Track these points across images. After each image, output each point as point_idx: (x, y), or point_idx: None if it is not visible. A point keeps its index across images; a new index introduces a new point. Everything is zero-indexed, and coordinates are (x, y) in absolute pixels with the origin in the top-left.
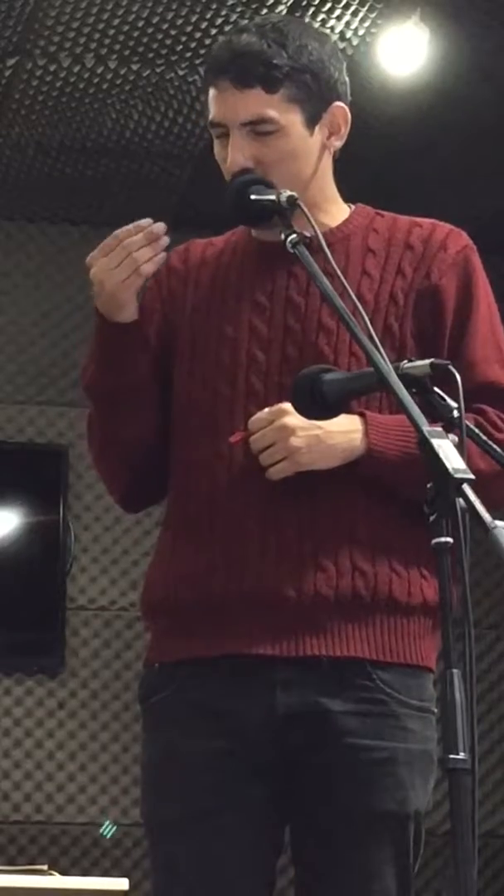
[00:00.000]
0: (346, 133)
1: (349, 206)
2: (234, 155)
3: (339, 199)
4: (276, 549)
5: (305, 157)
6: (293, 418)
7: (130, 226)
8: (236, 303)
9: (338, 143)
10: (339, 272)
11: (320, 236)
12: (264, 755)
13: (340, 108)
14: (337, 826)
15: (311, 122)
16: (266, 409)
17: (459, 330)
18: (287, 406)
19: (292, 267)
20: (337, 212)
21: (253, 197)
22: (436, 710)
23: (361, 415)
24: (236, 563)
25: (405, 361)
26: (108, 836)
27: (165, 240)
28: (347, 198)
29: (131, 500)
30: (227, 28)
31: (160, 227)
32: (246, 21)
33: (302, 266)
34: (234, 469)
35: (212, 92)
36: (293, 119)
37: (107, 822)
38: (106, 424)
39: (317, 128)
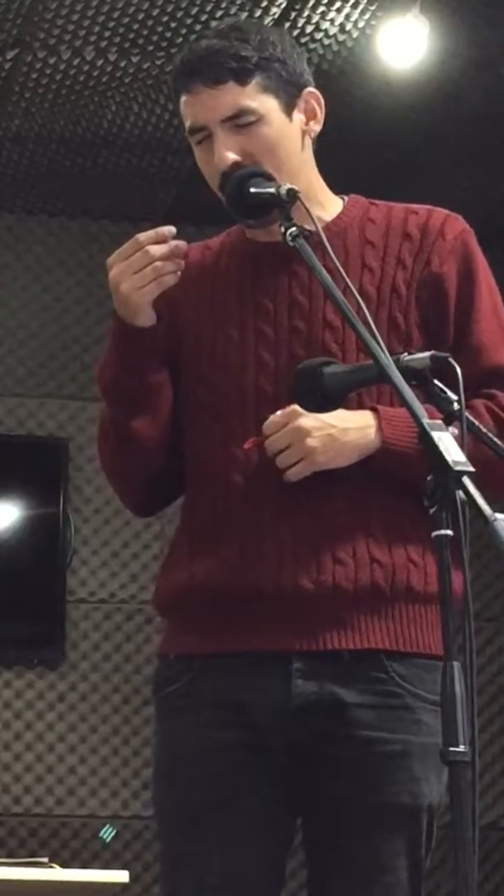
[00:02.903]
0: (322, 117)
1: (341, 198)
2: (222, 152)
3: (329, 191)
4: (293, 546)
5: (289, 143)
6: (307, 419)
7: (151, 232)
8: (240, 307)
9: (316, 128)
10: (340, 268)
11: (321, 232)
12: (278, 746)
13: (313, 93)
14: (350, 818)
15: (288, 108)
16: (279, 412)
17: (464, 316)
18: (299, 408)
19: (293, 266)
20: (330, 204)
21: (252, 190)
22: None
23: (374, 409)
24: (253, 562)
25: (405, 354)
26: (108, 839)
27: (182, 255)
28: (345, 191)
29: (145, 505)
30: (227, 20)
31: (182, 245)
32: (246, 14)
33: (303, 265)
34: (249, 471)
35: (184, 99)
36: (270, 106)
37: (106, 827)
38: (122, 427)
39: (294, 113)
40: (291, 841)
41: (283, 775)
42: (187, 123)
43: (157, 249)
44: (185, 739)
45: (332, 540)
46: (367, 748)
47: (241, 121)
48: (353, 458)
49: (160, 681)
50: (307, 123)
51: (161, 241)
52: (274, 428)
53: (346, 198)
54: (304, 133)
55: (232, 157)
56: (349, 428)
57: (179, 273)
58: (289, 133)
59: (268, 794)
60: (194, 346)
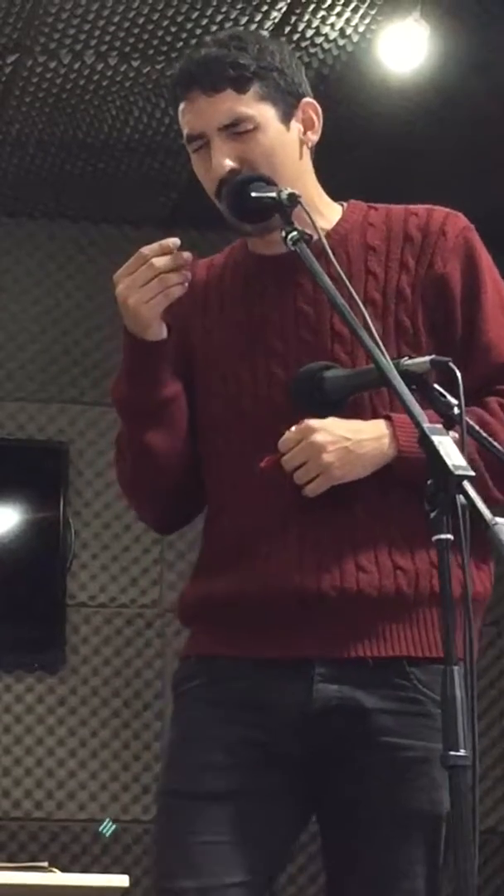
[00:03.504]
0: (319, 127)
1: (340, 205)
2: (219, 159)
3: (328, 199)
4: (316, 556)
5: (286, 152)
6: (321, 434)
7: (156, 245)
8: (247, 322)
9: (314, 138)
10: (343, 275)
11: (323, 238)
12: (296, 749)
13: (310, 104)
14: (369, 823)
15: (286, 117)
16: (293, 429)
17: (470, 315)
18: (313, 423)
19: (297, 278)
20: (330, 212)
21: (254, 194)
22: None
23: (388, 418)
24: (277, 572)
25: (405, 358)
26: (108, 834)
27: (188, 267)
28: (347, 195)
29: (167, 521)
30: (227, 25)
31: (188, 255)
32: (246, 19)
33: (307, 276)
34: (268, 485)
35: (183, 107)
36: (268, 114)
37: (106, 821)
38: (137, 442)
39: (292, 122)
40: (294, 840)
41: (300, 778)
42: (185, 131)
43: (161, 261)
44: (204, 729)
45: (354, 548)
46: (388, 754)
47: (239, 128)
48: (370, 469)
49: (181, 678)
50: (305, 133)
51: (166, 252)
52: (289, 445)
53: (345, 204)
54: (301, 142)
55: (229, 164)
56: (364, 440)
57: (186, 285)
58: (286, 141)
59: (280, 792)
60: (205, 365)
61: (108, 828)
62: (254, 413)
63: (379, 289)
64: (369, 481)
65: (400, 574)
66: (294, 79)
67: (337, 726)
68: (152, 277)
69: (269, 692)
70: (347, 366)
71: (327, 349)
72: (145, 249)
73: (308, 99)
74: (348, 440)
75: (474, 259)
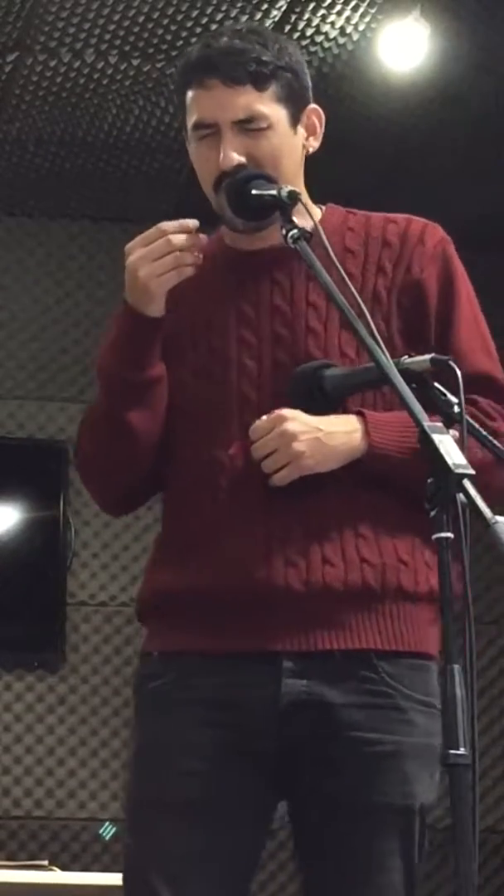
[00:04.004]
0: (321, 135)
1: (319, 207)
2: (228, 152)
3: (309, 200)
4: (283, 548)
5: (290, 155)
6: (293, 423)
7: (175, 222)
8: (222, 314)
9: (315, 144)
10: (343, 275)
11: (324, 237)
12: (266, 745)
13: (315, 110)
14: (342, 818)
15: (294, 120)
16: (264, 417)
17: (444, 323)
18: (286, 412)
19: (274, 274)
20: (312, 213)
21: (254, 192)
22: (439, 706)
23: (360, 413)
24: (243, 563)
25: (405, 357)
26: (108, 837)
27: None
28: (346, 193)
29: (125, 504)
30: (227, 23)
31: (203, 238)
32: (246, 17)
33: (283, 272)
34: (235, 474)
35: (196, 92)
36: (280, 115)
37: (106, 824)
38: (118, 420)
39: (298, 127)
40: (270, 825)
41: (269, 774)
42: (194, 118)
43: (179, 239)
44: (171, 734)
45: (320, 541)
46: (358, 748)
47: (252, 125)
48: (340, 461)
49: (143, 677)
50: (307, 138)
51: (184, 231)
52: (259, 433)
53: (323, 207)
54: (303, 147)
55: (237, 158)
56: (335, 432)
57: (196, 267)
58: (291, 144)
59: (253, 791)
60: (177, 353)
61: (108, 831)
62: (223, 403)
63: (355, 290)
64: (337, 475)
65: (367, 567)
66: (304, 82)
67: (306, 722)
68: (168, 253)
69: (239, 689)
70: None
71: (301, 345)
72: (164, 224)
73: (314, 105)
74: (320, 431)
75: (451, 269)
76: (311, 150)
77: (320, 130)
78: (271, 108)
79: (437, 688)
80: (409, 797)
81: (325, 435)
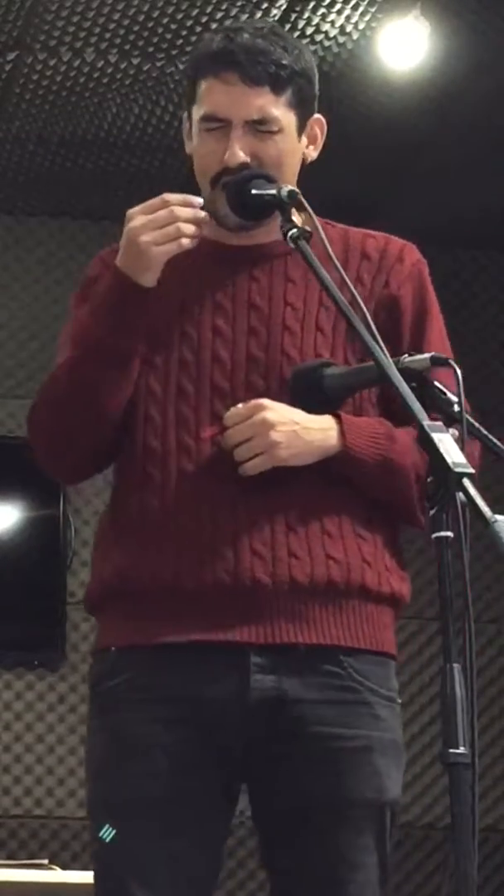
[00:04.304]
0: (321, 145)
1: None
2: (236, 149)
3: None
4: (249, 539)
5: (292, 161)
6: (272, 413)
7: (179, 195)
8: (199, 304)
9: (314, 155)
10: (344, 275)
11: (323, 236)
12: (233, 742)
13: (319, 120)
14: (316, 817)
15: (300, 128)
16: (241, 405)
17: (417, 340)
18: (265, 401)
19: (253, 271)
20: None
21: (254, 191)
22: (399, 701)
23: (336, 415)
24: (207, 551)
25: (405, 356)
26: (108, 839)
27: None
28: (346, 192)
29: (80, 473)
30: (227, 22)
31: (206, 216)
32: (246, 16)
33: (263, 271)
34: (201, 461)
35: (212, 84)
36: (290, 121)
37: (106, 826)
38: (93, 388)
39: (303, 135)
40: (231, 821)
41: (234, 772)
42: (205, 109)
43: (183, 211)
44: (133, 734)
45: (287, 535)
46: (328, 745)
47: (264, 127)
48: (313, 457)
49: (100, 674)
50: (308, 147)
51: (187, 206)
52: (236, 419)
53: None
54: (304, 155)
55: (243, 157)
56: (312, 428)
57: (195, 241)
58: (296, 151)
59: (218, 789)
60: (151, 336)
61: (107, 833)
62: (194, 391)
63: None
64: (306, 471)
65: (332, 564)
66: (315, 91)
67: (275, 718)
68: (171, 223)
69: (205, 684)
70: (297, 361)
71: (277, 342)
72: (168, 195)
73: (318, 115)
74: (297, 424)
75: (425, 290)
76: (309, 159)
77: (320, 141)
78: (284, 113)
79: (396, 684)
80: (382, 792)
81: (301, 429)
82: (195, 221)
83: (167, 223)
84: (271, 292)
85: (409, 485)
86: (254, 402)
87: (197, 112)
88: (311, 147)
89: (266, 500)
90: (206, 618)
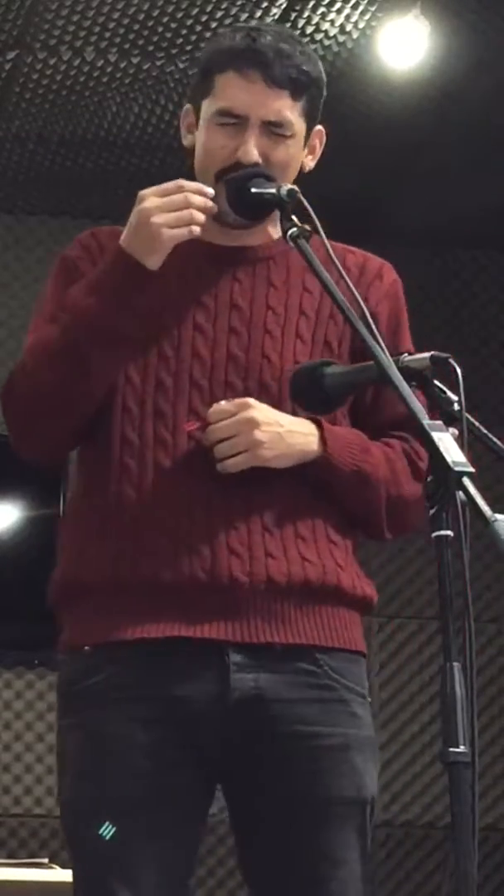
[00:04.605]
0: (318, 156)
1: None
2: (251, 148)
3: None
4: (226, 537)
5: (296, 167)
6: (258, 412)
7: (194, 183)
8: (179, 298)
9: (311, 165)
10: (344, 275)
11: (322, 235)
12: (212, 741)
13: (320, 132)
14: (297, 815)
15: (306, 136)
16: (224, 402)
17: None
18: (251, 400)
19: (237, 272)
20: (277, 225)
21: (253, 189)
22: (370, 699)
23: (317, 422)
24: (183, 547)
25: (405, 355)
26: (108, 837)
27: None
28: (346, 192)
29: (51, 453)
30: (227, 21)
31: (214, 207)
32: (246, 15)
33: (247, 273)
34: (178, 456)
35: (232, 79)
36: (301, 129)
37: (105, 824)
38: (87, 363)
39: (307, 143)
40: (207, 820)
41: (215, 766)
42: (222, 104)
43: (197, 199)
44: (110, 734)
45: (262, 535)
46: (307, 743)
47: (278, 130)
48: (293, 460)
49: (75, 673)
50: (307, 156)
51: (201, 194)
52: (221, 416)
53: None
54: (302, 165)
55: (257, 156)
56: (294, 431)
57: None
58: (298, 158)
59: (198, 789)
60: None
61: (107, 831)
62: (173, 386)
63: (313, 306)
64: (283, 474)
65: (308, 565)
66: (322, 102)
67: (254, 717)
68: (185, 207)
69: (184, 683)
70: (277, 364)
71: (258, 344)
72: (184, 181)
73: (320, 127)
74: (281, 426)
75: (400, 310)
76: (306, 169)
77: (318, 152)
78: (297, 119)
79: (367, 682)
80: (362, 789)
81: (286, 431)
82: (205, 211)
83: (182, 208)
84: (253, 294)
85: (379, 497)
86: (240, 399)
87: (210, 105)
88: (310, 157)
89: (242, 499)
90: (185, 614)
